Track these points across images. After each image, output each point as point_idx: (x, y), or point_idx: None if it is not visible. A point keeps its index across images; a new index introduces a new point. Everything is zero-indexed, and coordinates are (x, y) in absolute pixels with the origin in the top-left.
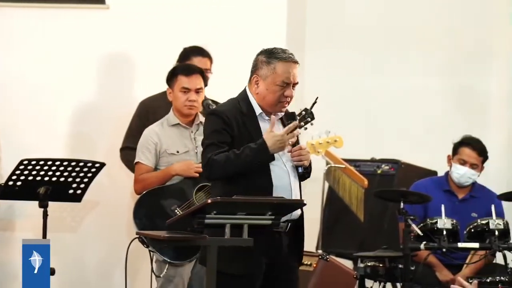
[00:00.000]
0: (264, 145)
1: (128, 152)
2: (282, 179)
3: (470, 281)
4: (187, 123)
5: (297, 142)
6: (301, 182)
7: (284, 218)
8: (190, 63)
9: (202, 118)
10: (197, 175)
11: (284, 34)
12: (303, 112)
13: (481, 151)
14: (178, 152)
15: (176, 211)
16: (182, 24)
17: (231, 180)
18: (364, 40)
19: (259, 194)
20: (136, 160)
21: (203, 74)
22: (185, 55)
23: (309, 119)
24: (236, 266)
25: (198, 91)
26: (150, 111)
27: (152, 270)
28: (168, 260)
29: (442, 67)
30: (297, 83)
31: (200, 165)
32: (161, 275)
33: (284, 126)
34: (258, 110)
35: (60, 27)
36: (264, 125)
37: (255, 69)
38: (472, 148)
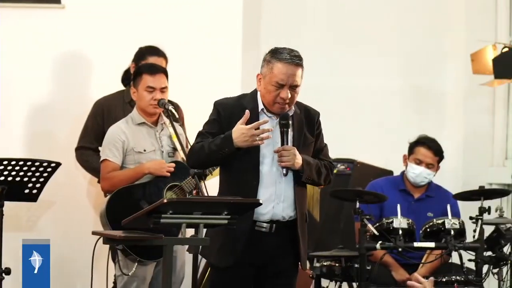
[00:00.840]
0: (230, 137)
1: (83, 151)
2: (267, 178)
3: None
4: (152, 122)
5: (286, 143)
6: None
7: (265, 218)
8: (146, 62)
9: (165, 119)
10: (169, 174)
11: (240, 33)
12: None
13: (437, 151)
14: (145, 150)
15: None
16: (137, 24)
17: (224, 174)
18: (322, 40)
19: (244, 190)
20: (102, 158)
21: (167, 73)
22: (140, 55)
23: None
24: (217, 259)
25: (163, 90)
26: (105, 110)
27: (108, 268)
28: (138, 259)
29: (397, 68)
30: (296, 86)
31: (171, 164)
32: (129, 273)
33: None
34: (260, 106)
35: (15, 27)
36: None
37: (261, 67)
38: (427, 147)
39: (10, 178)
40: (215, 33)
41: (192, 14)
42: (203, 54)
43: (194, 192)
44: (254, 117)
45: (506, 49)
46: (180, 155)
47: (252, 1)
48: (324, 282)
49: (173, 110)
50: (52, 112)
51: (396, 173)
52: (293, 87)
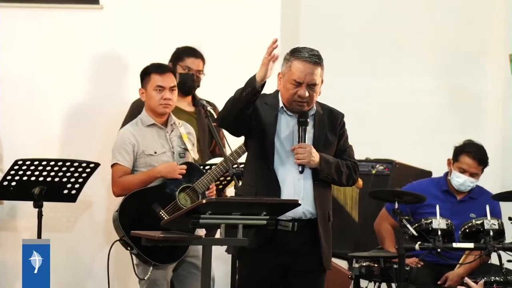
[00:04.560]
0: (252, 77)
1: None
2: (287, 175)
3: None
4: (162, 123)
5: (303, 140)
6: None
7: (287, 217)
8: (183, 64)
9: (175, 119)
10: (181, 176)
11: (278, 35)
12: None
13: (481, 160)
14: (155, 152)
15: (161, 213)
16: (175, 24)
17: (247, 171)
18: (359, 40)
19: (267, 189)
20: (113, 162)
21: (175, 73)
22: (177, 56)
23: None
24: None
25: (172, 89)
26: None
27: (135, 273)
28: (153, 263)
29: (436, 68)
30: (314, 84)
31: (183, 166)
32: (145, 278)
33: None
34: (280, 104)
35: (53, 27)
36: (284, 118)
37: (281, 66)
38: (472, 157)
39: (49, 179)
40: (253, 33)
41: (229, 15)
42: (240, 55)
43: (207, 192)
44: (271, 113)
45: None
46: (191, 155)
47: (290, 4)
48: (363, 282)
49: (212, 111)
50: (89, 113)
51: (435, 173)
52: (311, 86)
